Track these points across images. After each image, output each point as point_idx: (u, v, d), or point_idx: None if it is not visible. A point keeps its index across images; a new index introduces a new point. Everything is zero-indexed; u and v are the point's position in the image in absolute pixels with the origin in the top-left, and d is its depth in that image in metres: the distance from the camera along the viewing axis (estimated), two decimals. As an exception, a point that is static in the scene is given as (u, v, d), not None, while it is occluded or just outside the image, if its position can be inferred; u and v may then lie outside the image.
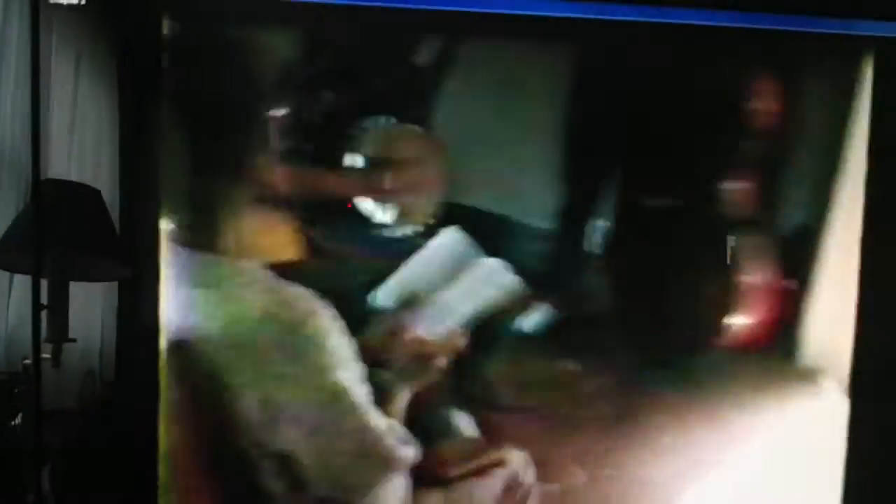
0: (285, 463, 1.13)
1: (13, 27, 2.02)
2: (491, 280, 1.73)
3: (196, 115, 1.07)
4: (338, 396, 1.12)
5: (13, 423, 1.82)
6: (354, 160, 1.84)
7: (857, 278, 2.04)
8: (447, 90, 1.91)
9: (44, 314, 1.72)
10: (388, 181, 1.86)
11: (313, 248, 1.75)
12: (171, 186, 1.08)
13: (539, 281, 1.94)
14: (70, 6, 1.91)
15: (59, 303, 1.85)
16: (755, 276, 2.03)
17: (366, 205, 1.86)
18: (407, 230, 1.86)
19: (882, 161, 2.04)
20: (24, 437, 1.78)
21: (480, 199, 1.92)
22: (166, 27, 1.62)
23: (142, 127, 1.93)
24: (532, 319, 1.96)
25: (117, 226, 1.97)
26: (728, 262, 2.03)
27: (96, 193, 1.96)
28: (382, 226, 1.85)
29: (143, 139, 1.93)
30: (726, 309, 2.03)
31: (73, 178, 2.07)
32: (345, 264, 1.75)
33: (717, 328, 2.03)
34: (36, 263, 1.59)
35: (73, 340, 1.90)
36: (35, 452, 1.65)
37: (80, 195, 1.94)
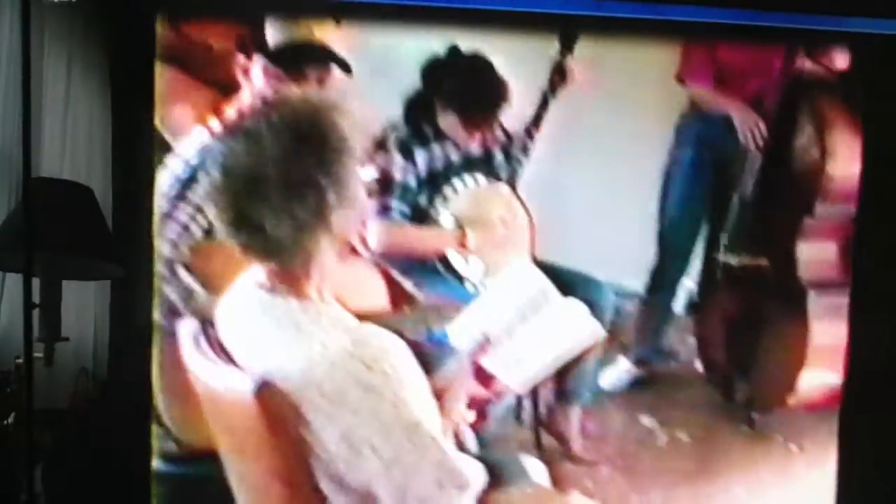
0: (363, 498, 1.16)
1: (4, 25, 2.01)
2: (571, 324, 1.72)
3: (288, 167, 1.10)
4: (414, 429, 1.14)
5: (5, 422, 1.81)
6: (444, 217, 1.96)
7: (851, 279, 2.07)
8: (536, 153, 2.00)
9: (36, 313, 1.72)
10: (475, 238, 1.97)
11: (399, 298, 1.87)
12: (255, 231, 1.11)
13: (620, 338, 2.04)
14: (61, 4, 1.90)
15: (51, 302, 1.84)
16: (833, 336, 2.06)
17: (453, 260, 1.97)
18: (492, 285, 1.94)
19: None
20: (16, 437, 1.77)
21: (566, 257, 1.98)
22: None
23: (134, 125, 1.93)
24: (612, 374, 2.05)
25: (110, 224, 1.96)
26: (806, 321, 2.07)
27: (89, 192, 1.95)
28: (469, 281, 1.97)
29: (136, 137, 1.93)
30: (804, 367, 2.06)
31: (66, 176, 2.07)
32: (430, 316, 1.86)
33: (794, 386, 2.07)
34: (27, 262, 1.58)
35: (66, 339, 1.89)
36: (27, 451, 1.64)
37: (73, 194, 1.94)
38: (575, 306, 1.72)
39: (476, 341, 1.51)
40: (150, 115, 1.87)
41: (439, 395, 1.25)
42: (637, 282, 2.06)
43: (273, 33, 1.82)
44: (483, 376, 1.43)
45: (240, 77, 1.78)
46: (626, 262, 2.05)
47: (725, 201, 2.07)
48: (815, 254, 2.06)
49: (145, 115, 1.90)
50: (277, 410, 1.10)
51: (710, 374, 2.10)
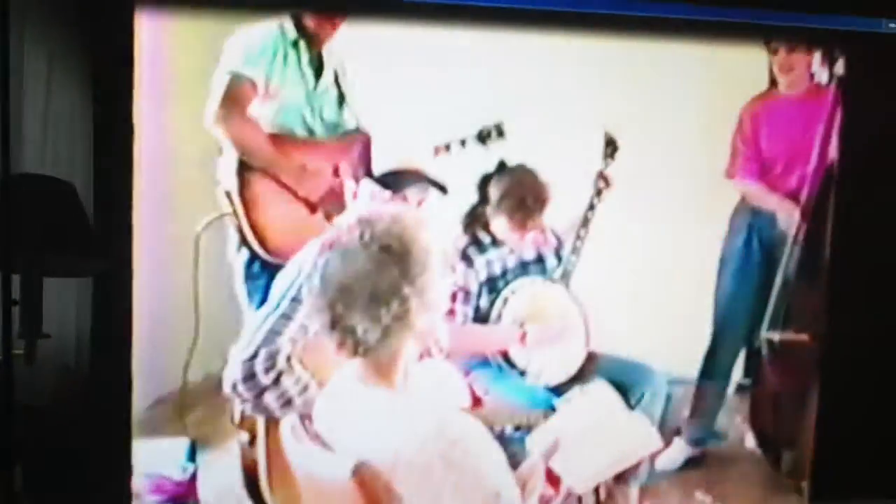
0: None
1: (-16, 20, 2.00)
2: (633, 436, 1.84)
3: (378, 278, 1.28)
4: (495, 499, 1.26)
5: (-15, 420, 1.80)
6: (506, 317, 2.15)
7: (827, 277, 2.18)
8: (586, 252, 2.18)
9: (16, 310, 1.71)
10: (534, 335, 2.15)
11: (469, 396, 2.01)
12: (347, 332, 1.28)
13: (676, 422, 2.20)
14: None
15: (32, 298, 1.83)
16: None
17: (514, 356, 2.16)
18: (554, 380, 2.14)
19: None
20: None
21: (620, 348, 2.17)
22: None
23: (115, 120, 1.92)
24: (667, 456, 2.18)
25: (91, 221, 1.96)
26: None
27: (70, 188, 1.94)
28: (531, 376, 2.15)
29: (117, 133, 1.93)
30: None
31: (47, 172, 2.05)
32: (499, 413, 2.05)
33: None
34: (6, 258, 1.58)
35: (48, 336, 1.88)
36: (8, 450, 1.64)
37: (54, 190, 1.92)
38: (638, 419, 1.92)
39: (547, 445, 1.59)
40: (130, 110, 1.87)
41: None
42: (690, 368, 2.21)
43: (379, 160, 2.07)
44: (552, 478, 1.52)
45: (346, 197, 2.02)
46: (679, 350, 2.21)
47: (770, 283, 2.26)
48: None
49: (126, 111, 1.89)
50: (372, 489, 1.23)
51: (761, 448, 2.26)
